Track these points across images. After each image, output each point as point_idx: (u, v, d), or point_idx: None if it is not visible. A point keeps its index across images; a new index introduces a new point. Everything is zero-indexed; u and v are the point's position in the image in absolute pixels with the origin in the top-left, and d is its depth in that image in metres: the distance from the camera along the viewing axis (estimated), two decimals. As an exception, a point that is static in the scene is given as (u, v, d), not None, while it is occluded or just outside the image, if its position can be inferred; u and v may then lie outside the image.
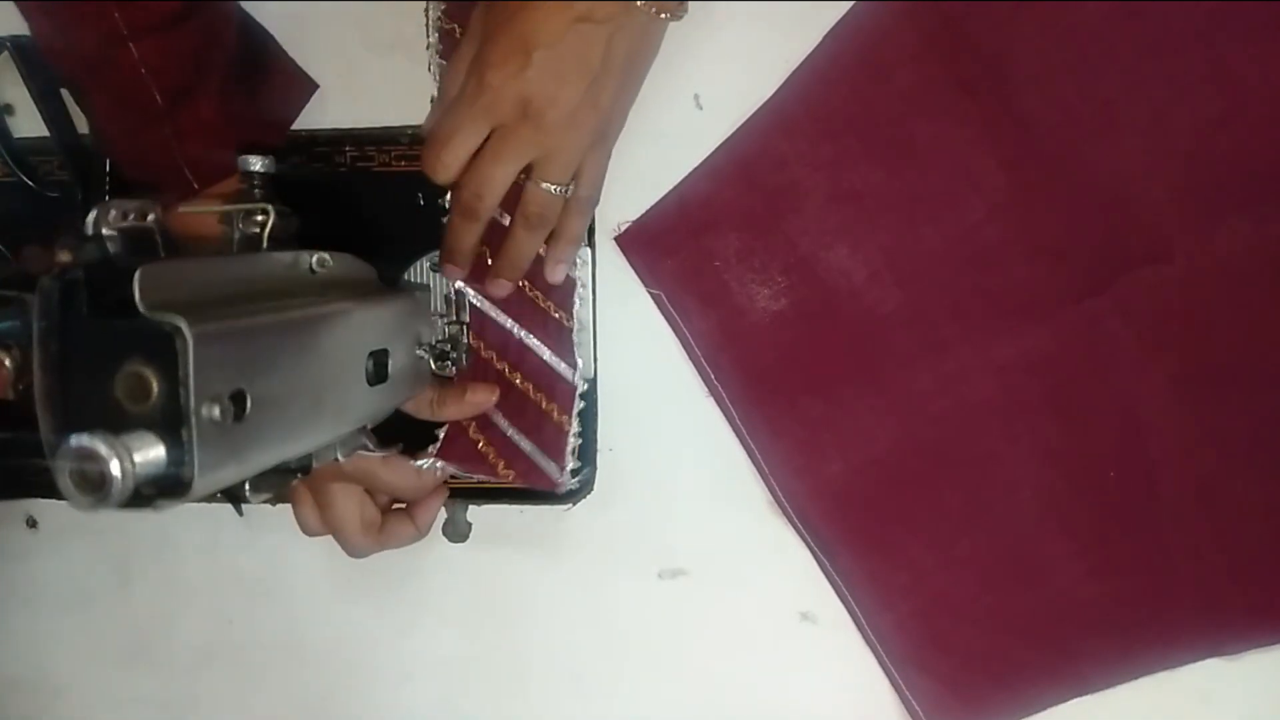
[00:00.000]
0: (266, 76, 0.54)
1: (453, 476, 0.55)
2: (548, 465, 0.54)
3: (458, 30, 0.52)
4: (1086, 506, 0.52)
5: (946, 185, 0.51)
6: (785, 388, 0.54)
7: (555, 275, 0.52)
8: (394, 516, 0.55)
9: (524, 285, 0.53)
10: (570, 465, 0.54)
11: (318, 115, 0.56)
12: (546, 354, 0.54)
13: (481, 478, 0.55)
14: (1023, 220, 0.51)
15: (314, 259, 0.42)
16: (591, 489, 0.56)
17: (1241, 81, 0.48)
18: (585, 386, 0.55)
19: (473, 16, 0.47)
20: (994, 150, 0.50)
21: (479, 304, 0.54)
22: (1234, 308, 0.50)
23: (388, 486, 0.53)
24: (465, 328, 0.54)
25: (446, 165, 0.46)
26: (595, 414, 0.56)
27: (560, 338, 0.54)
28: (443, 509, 0.58)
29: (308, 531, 0.54)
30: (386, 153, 0.55)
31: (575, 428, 0.54)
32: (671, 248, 0.54)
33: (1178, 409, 0.51)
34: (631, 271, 0.55)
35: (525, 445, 0.54)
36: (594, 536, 0.57)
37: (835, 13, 0.50)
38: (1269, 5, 0.47)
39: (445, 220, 0.50)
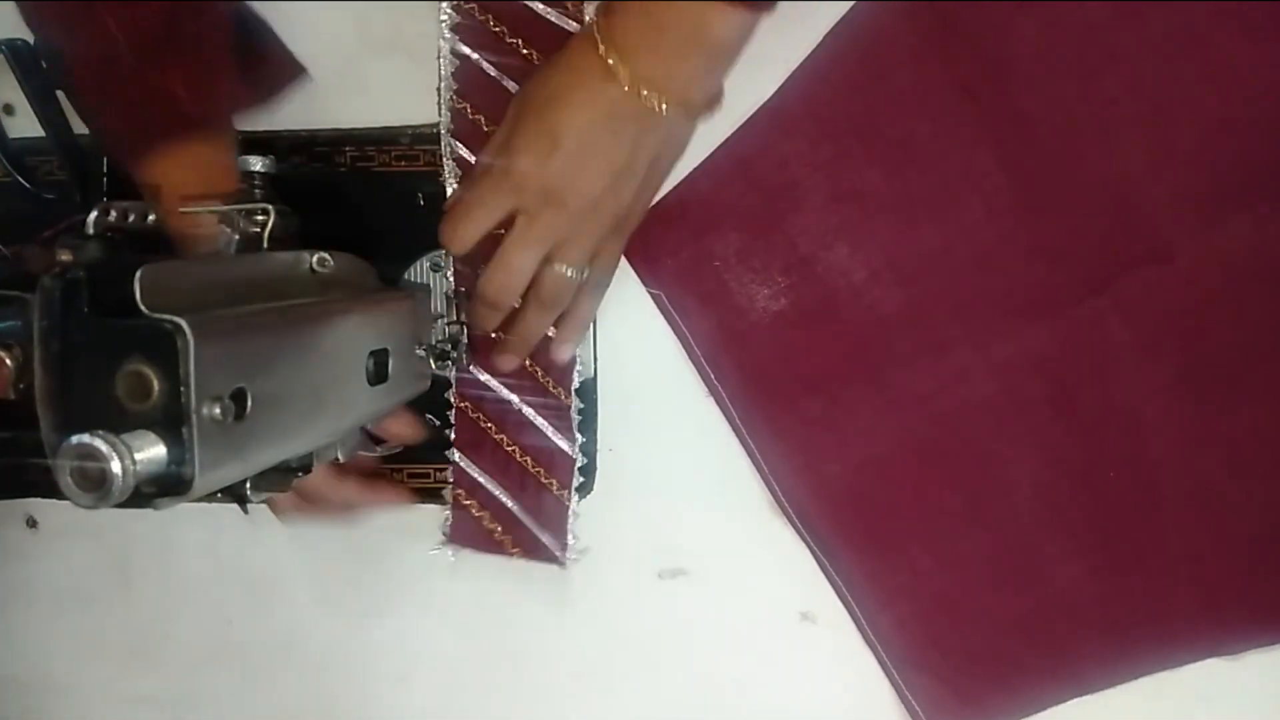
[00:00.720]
0: (256, 51, 0.54)
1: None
2: (551, 541, 0.56)
3: (469, 110, 0.53)
4: (1086, 506, 0.52)
5: (946, 185, 0.51)
6: (785, 388, 0.54)
7: (561, 355, 0.53)
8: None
9: (526, 361, 0.55)
10: (571, 540, 0.56)
11: (318, 115, 0.56)
12: (547, 429, 0.55)
13: (492, 553, 0.57)
14: (1023, 220, 0.51)
15: (314, 259, 0.43)
16: (591, 489, 0.56)
17: (1242, 81, 0.48)
18: (584, 461, 0.56)
19: (511, 100, 0.48)
20: (994, 150, 0.50)
21: (480, 376, 0.55)
22: (1234, 308, 0.50)
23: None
24: (465, 327, 0.54)
25: (464, 237, 0.48)
26: (595, 414, 0.56)
27: (560, 414, 0.55)
28: (443, 508, 0.58)
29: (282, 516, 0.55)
30: (386, 153, 0.55)
31: (575, 502, 0.56)
32: (672, 248, 0.54)
33: (1178, 409, 0.51)
34: (631, 271, 0.55)
35: (528, 521, 0.56)
36: (594, 536, 0.57)
37: (835, 13, 0.50)
38: (1269, 5, 0.47)
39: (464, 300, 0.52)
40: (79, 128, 0.55)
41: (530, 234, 0.47)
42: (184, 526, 0.62)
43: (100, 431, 0.28)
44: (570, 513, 0.56)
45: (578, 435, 0.55)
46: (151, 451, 0.29)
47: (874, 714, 0.56)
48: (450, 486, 0.57)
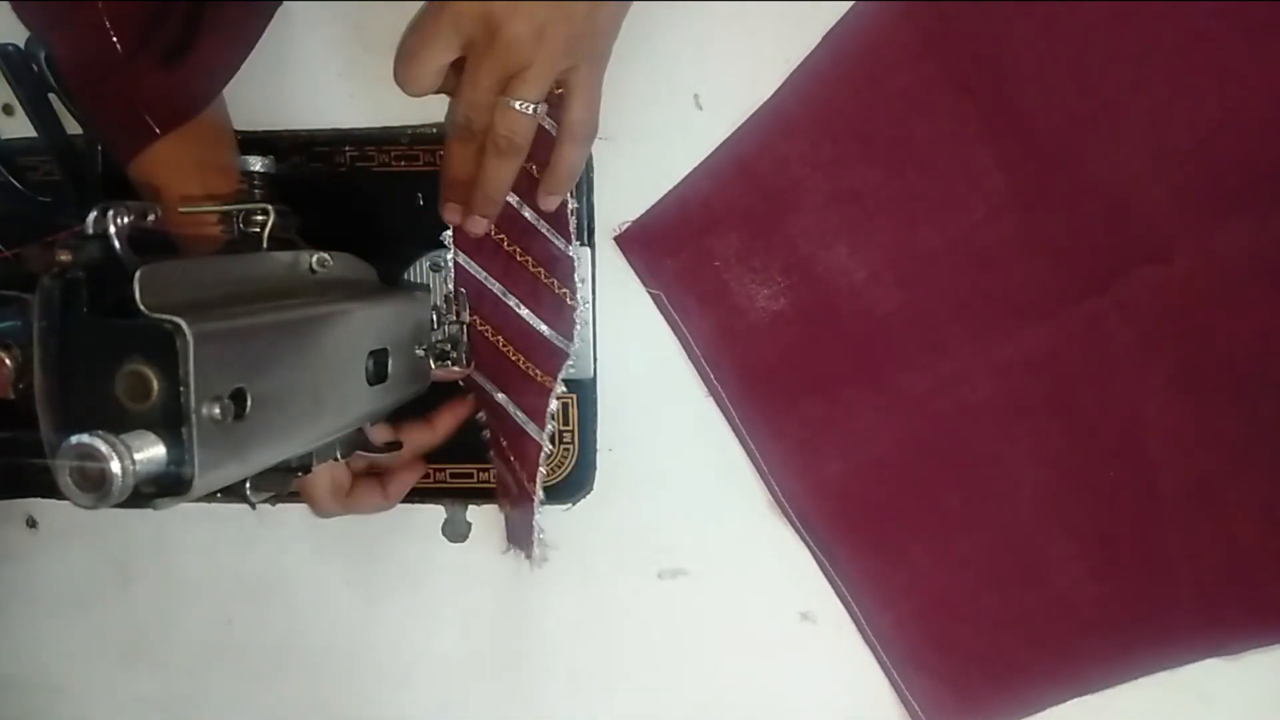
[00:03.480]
0: (222, 3, 0.51)
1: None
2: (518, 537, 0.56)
3: None
4: (1086, 507, 0.52)
5: (946, 185, 0.51)
6: (785, 388, 0.54)
7: (548, 204, 0.51)
8: (364, 482, 0.54)
9: (526, 261, 0.53)
10: (538, 537, 0.56)
11: (318, 115, 0.56)
12: (544, 328, 0.54)
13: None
14: (1023, 220, 0.51)
15: (314, 259, 0.42)
16: (591, 489, 0.56)
17: (1242, 82, 0.48)
18: (548, 451, 0.55)
19: None
20: (994, 150, 0.50)
21: (473, 270, 0.54)
22: (1234, 308, 0.50)
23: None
24: (465, 328, 0.54)
25: (415, 79, 0.45)
26: (595, 414, 0.56)
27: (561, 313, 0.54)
28: (443, 508, 0.58)
29: None
30: (386, 153, 0.55)
31: (540, 495, 0.55)
32: (671, 248, 0.54)
33: (1178, 409, 0.51)
34: (631, 271, 0.55)
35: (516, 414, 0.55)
36: (594, 536, 0.57)
37: (835, 13, 0.50)
38: (1269, 5, 0.47)
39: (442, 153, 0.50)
40: (74, 129, 0.55)
41: (477, 68, 0.44)
42: (184, 526, 0.62)
43: (100, 431, 0.28)
44: (536, 508, 0.55)
45: (549, 421, 0.54)
46: (151, 451, 0.29)
47: (874, 714, 0.56)
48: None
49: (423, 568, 0.59)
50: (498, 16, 0.42)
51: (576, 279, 0.53)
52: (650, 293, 0.55)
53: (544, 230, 0.53)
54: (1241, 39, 0.47)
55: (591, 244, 0.54)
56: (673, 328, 0.55)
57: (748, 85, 0.52)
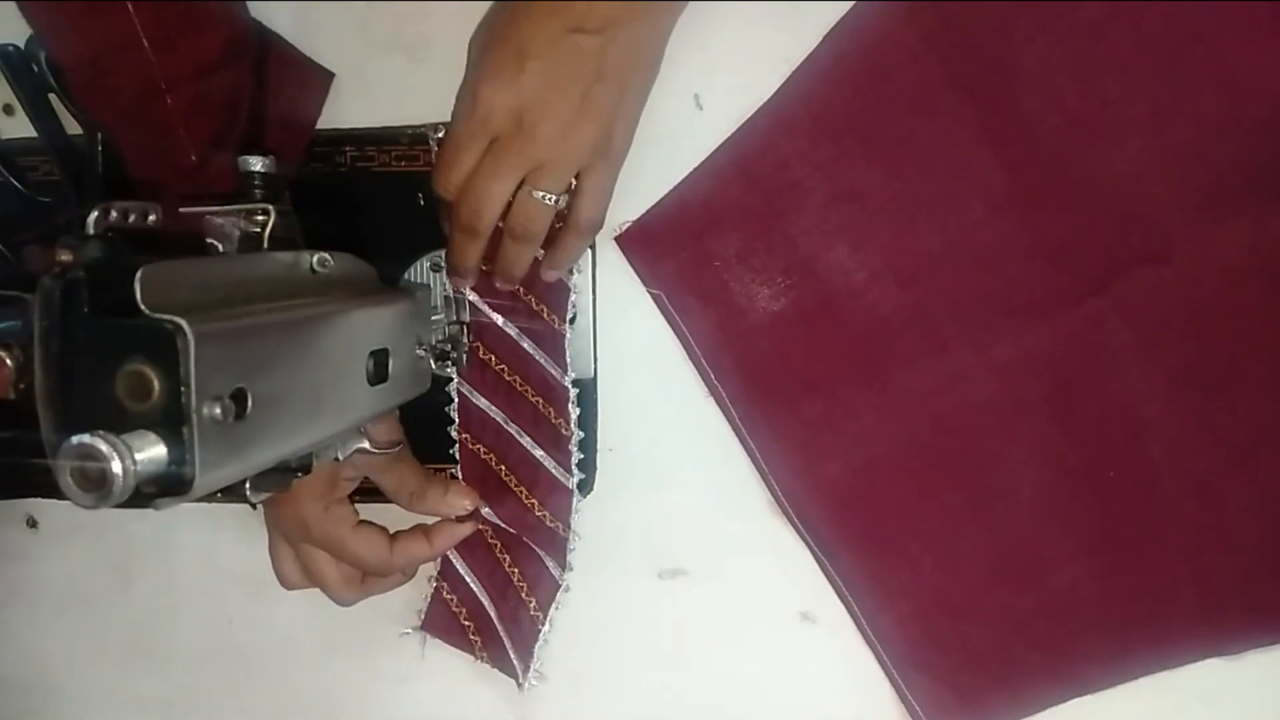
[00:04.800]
0: (284, 89, 0.53)
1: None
2: (517, 660, 0.57)
3: None
4: (1086, 506, 0.53)
5: (947, 185, 0.51)
6: (785, 388, 0.54)
7: (547, 276, 0.52)
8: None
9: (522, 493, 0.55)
10: (535, 665, 0.57)
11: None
12: (540, 551, 0.55)
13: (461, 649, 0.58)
14: (1023, 220, 0.51)
15: (314, 259, 0.42)
16: (592, 489, 0.56)
17: (1242, 82, 0.48)
18: (567, 589, 0.56)
19: (470, 37, 0.48)
20: (994, 150, 0.50)
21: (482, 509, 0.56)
22: (1234, 308, 0.50)
23: (355, 560, 0.53)
24: (465, 328, 0.54)
25: (451, 184, 0.47)
26: (595, 414, 0.56)
27: (554, 540, 0.55)
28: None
29: (288, 586, 0.55)
30: (386, 153, 0.55)
31: (548, 628, 0.56)
32: (672, 248, 0.54)
33: (1178, 409, 0.51)
34: (631, 271, 0.55)
35: (502, 632, 0.57)
36: (594, 536, 0.57)
37: (835, 13, 0.50)
38: (1269, 5, 0.47)
39: (446, 232, 0.51)
40: (74, 129, 0.55)
41: (501, 161, 0.45)
42: (184, 526, 0.62)
43: (100, 432, 0.28)
44: (541, 637, 0.56)
45: (569, 563, 0.56)
46: (152, 451, 0.29)
47: (874, 714, 0.56)
48: (435, 576, 0.58)
49: (422, 568, 0.59)
50: (530, 115, 0.44)
51: (570, 409, 0.54)
52: (650, 293, 0.55)
53: (541, 360, 0.54)
54: (1241, 39, 0.47)
55: (592, 244, 0.54)
56: (673, 328, 0.55)
57: (748, 85, 0.52)
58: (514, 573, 0.56)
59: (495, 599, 0.57)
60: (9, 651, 0.66)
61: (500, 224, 0.48)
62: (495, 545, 0.57)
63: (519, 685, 0.57)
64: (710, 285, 0.54)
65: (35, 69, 0.54)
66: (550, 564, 0.56)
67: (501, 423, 0.55)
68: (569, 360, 0.54)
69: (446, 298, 0.55)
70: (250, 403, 0.33)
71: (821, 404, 0.54)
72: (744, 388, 0.54)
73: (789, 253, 0.53)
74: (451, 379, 0.55)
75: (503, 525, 0.56)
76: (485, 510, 0.56)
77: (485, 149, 0.45)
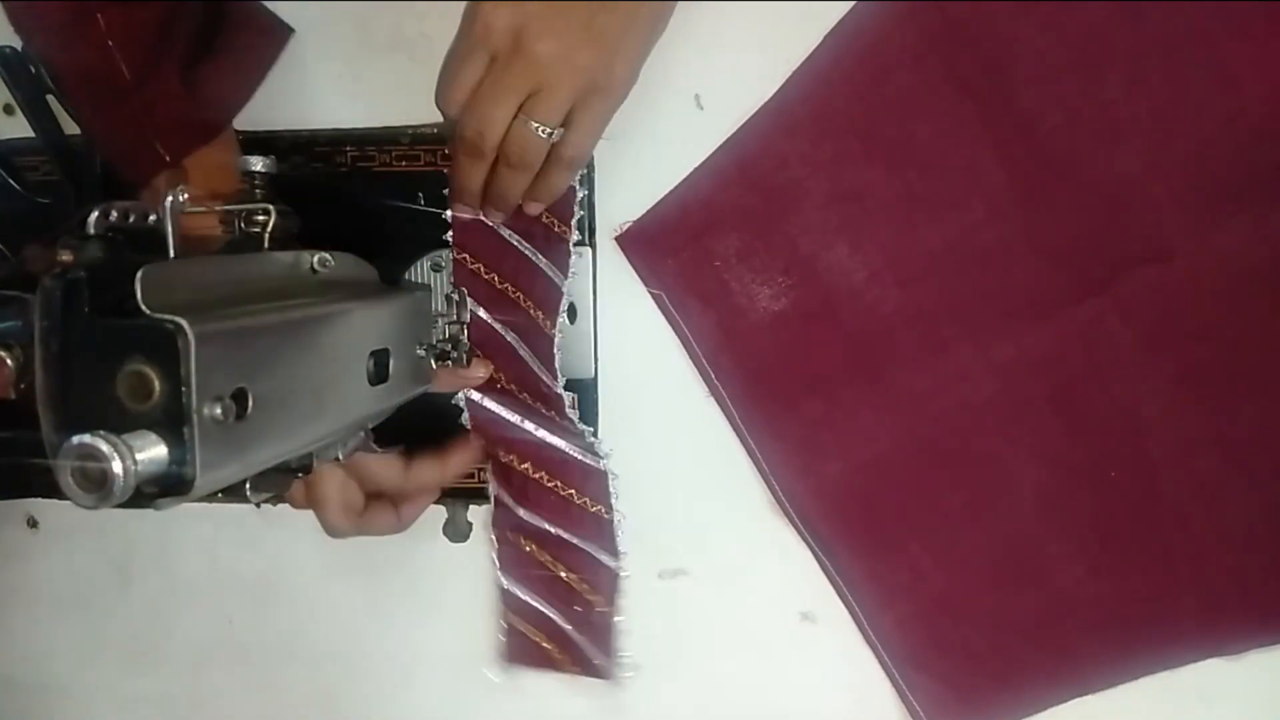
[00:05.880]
0: (233, 33, 0.52)
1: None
2: (601, 657, 0.57)
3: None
4: (1087, 506, 0.53)
5: (947, 185, 0.51)
6: (786, 388, 0.54)
7: (530, 210, 0.51)
8: (378, 504, 0.54)
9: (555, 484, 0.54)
10: (621, 653, 0.57)
11: (318, 115, 0.56)
12: (589, 546, 0.55)
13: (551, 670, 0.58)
14: (1023, 220, 0.51)
15: (315, 259, 0.42)
16: (592, 489, 0.56)
17: (1242, 82, 0.48)
18: (626, 574, 0.56)
19: None
20: (994, 150, 0.50)
21: (517, 510, 0.55)
22: (1234, 308, 0.50)
23: (368, 477, 0.52)
24: (465, 328, 0.54)
25: (451, 100, 0.45)
26: (596, 414, 0.56)
27: (601, 529, 0.55)
28: (444, 508, 0.58)
29: (292, 503, 0.53)
30: (387, 153, 0.55)
31: (620, 617, 0.56)
32: (672, 248, 0.54)
33: (1178, 409, 0.51)
34: (632, 271, 0.55)
35: (578, 638, 0.56)
36: (594, 536, 0.57)
37: (835, 13, 0.50)
38: (1269, 5, 0.47)
39: (450, 152, 0.49)
40: (72, 129, 0.55)
41: (500, 83, 0.43)
42: (184, 526, 0.62)
43: (101, 432, 0.28)
44: (617, 628, 0.56)
45: (620, 549, 0.56)
46: (152, 452, 0.29)
47: (874, 714, 0.56)
48: (502, 612, 0.58)
49: (423, 568, 0.59)
50: (528, 32, 0.42)
51: (571, 413, 0.54)
52: (651, 293, 0.55)
53: (536, 369, 0.54)
54: (1241, 39, 0.47)
55: (592, 244, 0.55)
56: (673, 328, 0.55)
57: (748, 85, 0.52)
58: (571, 578, 0.56)
59: (563, 609, 0.56)
60: (9, 651, 0.66)
61: None
62: (545, 560, 0.56)
63: (612, 679, 0.57)
64: (710, 285, 0.54)
65: (33, 70, 0.54)
66: (603, 555, 0.55)
67: (516, 422, 0.54)
68: (558, 366, 0.54)
69: (447, 297, 0.54)
70: (251, 403, 0.33)
71: (821, 404, 0.54)
72: (744, 387, 0.54)
73: (789, 253, 0.53)
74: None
75: (548, 528, 0.55)
76: (526, 515, 0.55)
77: (486, 64, 0.44)
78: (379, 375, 0.45)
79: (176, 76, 0.47)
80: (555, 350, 0.54)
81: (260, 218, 0.44)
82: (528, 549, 0.56)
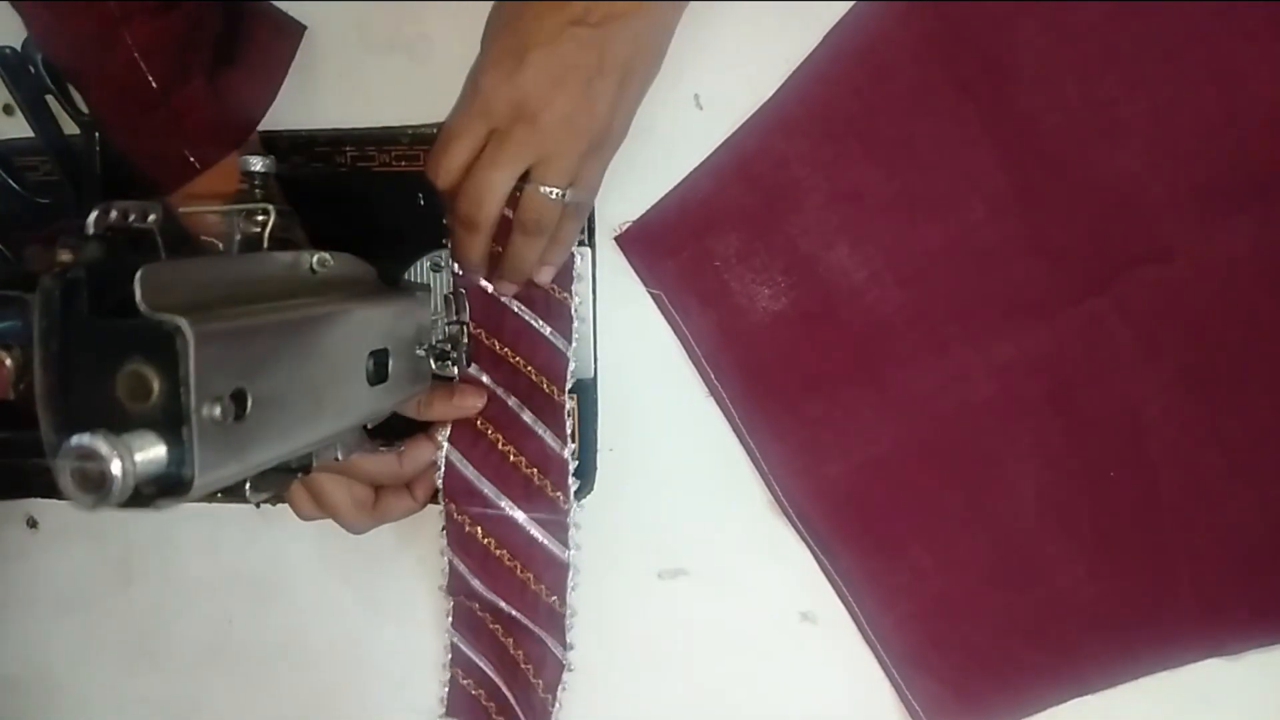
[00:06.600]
0: (251, 36, 0.53)
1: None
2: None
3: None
4: (1087, 507, 0.52)
5: (947, 185, 0.51)
6: (785, 388, 0.54)
7: (543, 276, 0.52)
8: (388, 491, 0.55)
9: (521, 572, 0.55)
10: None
11: (318, 115, 0.56)
12: (538, 631, 0.55)
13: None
14: (1023, 220, 0.51)
15: (314, 259, 0.42)
16: (592, 489, 0.56)
17: (1243, 81, 0.48)
18: (571, 669, 0.56)
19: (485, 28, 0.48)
20: (994, 150, 0.50)
21: (472, 582, 0.55)
22: (1235, 308, 0.50)
23: (367, 476, 0.53)
24: (465, 327, 0.54)
25: (447, 170, 0.46)
26: (595, 414, 0.56)
27: (552, 618, 0.55)
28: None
29: (303, 517, 0.54)
30: (386, 153, 0.55)
31: (558, 708, 0.56)
32: (672, 248, 0.54)
33: (1178, 409, 0.51)
34: (632, 271, 0.55)
35: (519, 709, 0.56)
36: (594, 536, 0.57)
37: (835, 13, 0.50)
38: (1269, 5, 0.47)
39: (447, 227, 0.50)
40: (72, 129, 0.55)
41: (502, 151, 0.45)
42: (184, 526, 0.62)
43: (100, 432, 0.28)
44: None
45: (570, 642, 0.56)
46: (151, 452, 0.29)
47: (874, 714, 0.56)
48: (449, 664, 0.58)
49: (423, 567, 0.59)
50: (529, 104, 0.44)
51: (570, 483, 0.54)
52: (651, 293, 0.55)
53: (541, 432, 0.54)
54: (1241, 39, 0.47)
55: (592, 244, 0.54)
56: (673, 328, 0.55)
57: (748, 85, 0.52)
58: (518, 654, 0.56)
59: (507, 680, 0.57)
60: (9, 651, 0.66)
61: (508, 213, 0.48)
62: (497, 630, 0.57)
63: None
64: (710, 285, 0.54)
65: (32, 70, 0.54)
66: (551, 644, 0.56)
67: (491, 496, 0.54)
68: (569, 430, 0.54)
69: (446, 297, 0.55)
70: (250, 403, 0.33)
71: (822, 404, 0.54)
72: (744, 388, 0.54)
73: (789, 253, 0.53)
74: (453, 378, 0.55)
75: (501, 606, 0.55)
76: (481, 587, 0.55)
77: (483, 139, 0.45)
78: (378, 375, 0.45)
79: (204, 84, 0.48)
80: (567, 416, 0.54)
81: (260, 218, 0.44)
82: (481, 614, 0.57)
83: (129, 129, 0.49)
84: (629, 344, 0.55)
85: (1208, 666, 0.53)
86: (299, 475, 0.43)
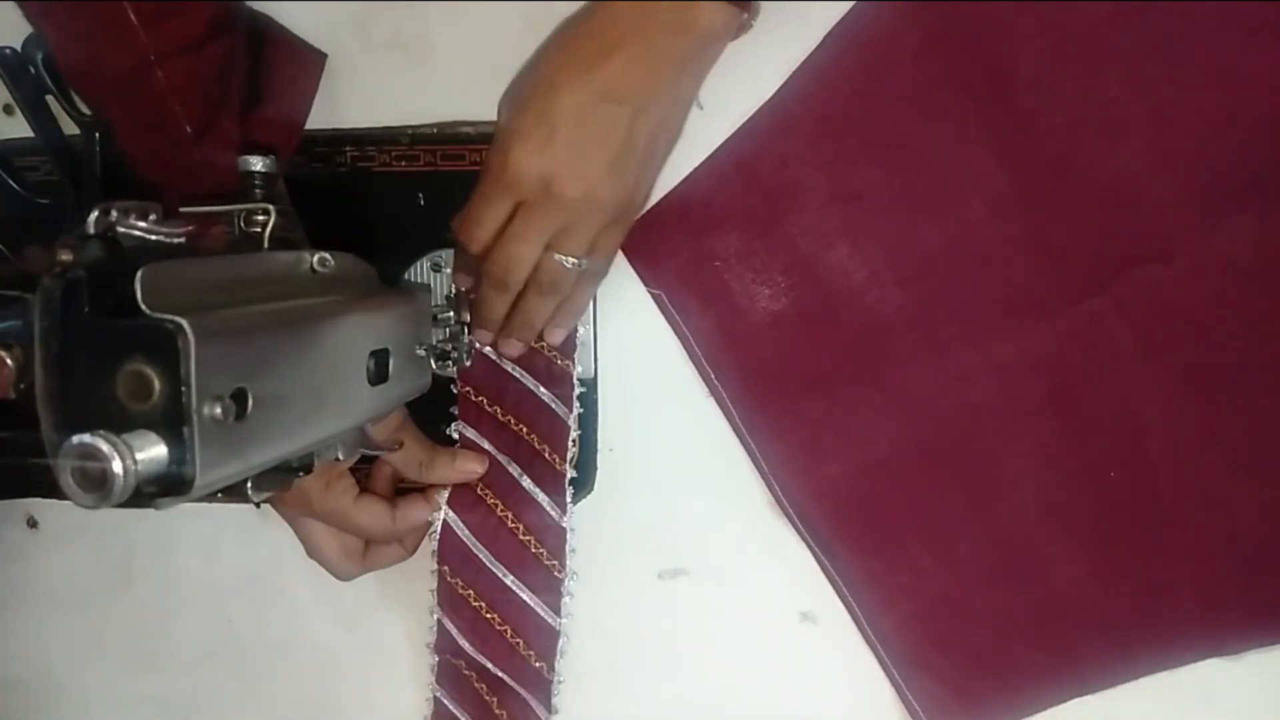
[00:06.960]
0: (276, 71, 0.53)
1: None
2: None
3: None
4: (1086, 506, 0.53)
5: (947, 185, 0.51)
6: (785, 388, 0.54)
7: (553, 337, 0.53)
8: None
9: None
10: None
11: (318, 115, 0.56)
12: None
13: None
14: (1023, 220, 0.51)
15: (315, 258, 0.42)
16: (592, 489, 0.56)
17: (1243, 81, 0.48)
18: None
19: (501, 98, 0.49)
20: (994, 150, 0.50)
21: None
22: (1235, 307, 0.50)
23: (359, 530, 0.54)
24: (465, 328, 0.54)
25: (477, 240, 0.48)
26: (595, 414, 0.56)
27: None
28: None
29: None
30: (386, 153, 0.55)
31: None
32: (672, 248, 0.54)
33: (1178, 409, 0.51)
34: (631, 271, 0.55)
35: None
36: (594, 536, 0.57)
37: (835, 13, 0.50)
38: (1269, 6, 0.47)
39: (456, 282, 0.53)
40: (71, 129, 0.55)
41: (529, 226, 0.46)
42: (184, 526, 0.62)
43: (101, 431, 0.28)
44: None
45: (555, 706, 0.56)
46: (152, 451, 0.29)
47: (874, 714, 0.56)
48: (430, 717, 0.59)
49: (424, 568, 0.59)
50: (557, 180, 0.45)
51: (568, 549, 0.55)
52: (651, 293, 0.55)
53: (540, 499, 0.54)
54: (1242, 39, 0.47)
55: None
56: (673, 328, 0.55)
57: (748, 85, 0.52)
58: (501, 714, 0.56)
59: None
60: (9, 651, 0.66)
61: None
62: (482, 689, 0.57)
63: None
64: (710, 285, 0.54)
65: (32, 70, 0.54)
66: (535, 705, 0.56)
67: (486, 562, 0.54)
68: (570, 503, 0.54)
69: (447, 297, 0.55)
70: (251, 402, 0.33)
71: (821, 404, 0.54)
72: (744, 388, 0.54)
73: (789, 253, 0.53)
74: (453, 378, 0.55)
75: (489, 666, 0.56)
76: (469, 647, 0.56)
77: (512, 209, 0.47)
78: (379, 375, 0.45)
79: (236, 126, 0.49)
80: (567, 485, 0.54)
81: (260, 218, 0.44)
82: (466, 673, 0.57)
83: (161, 168, 0.49)
84: (629, 344, 0.55)
85: (1208, 666, 0.53)
86: (299, 475, 0.43)
